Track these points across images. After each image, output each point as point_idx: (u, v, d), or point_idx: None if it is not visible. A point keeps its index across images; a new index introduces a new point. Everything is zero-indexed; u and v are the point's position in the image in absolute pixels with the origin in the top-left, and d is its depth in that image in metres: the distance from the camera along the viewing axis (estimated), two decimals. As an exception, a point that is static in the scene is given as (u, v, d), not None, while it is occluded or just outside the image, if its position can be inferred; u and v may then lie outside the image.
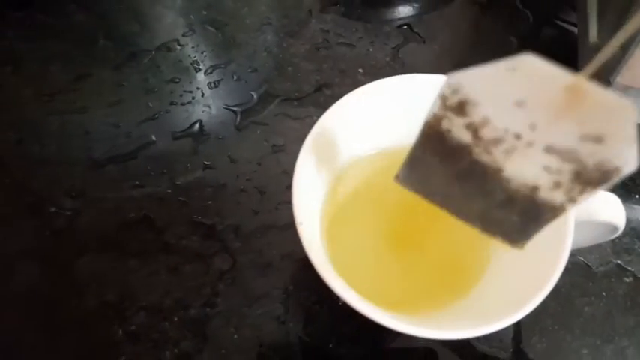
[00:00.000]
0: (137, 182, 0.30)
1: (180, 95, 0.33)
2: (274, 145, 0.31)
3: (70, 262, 0.28)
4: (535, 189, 0.13)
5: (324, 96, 0.33)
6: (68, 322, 0.26)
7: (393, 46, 0.36)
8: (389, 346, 0.26)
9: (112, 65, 0.34)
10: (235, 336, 0.26)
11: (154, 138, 0.31)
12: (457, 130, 0.13)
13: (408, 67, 0.35)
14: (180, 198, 0.29)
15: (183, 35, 0.35)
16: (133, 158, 0.31)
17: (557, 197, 0.13)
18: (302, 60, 0.34)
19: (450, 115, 0.13)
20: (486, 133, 0.13)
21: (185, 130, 0.32)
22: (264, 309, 0.27)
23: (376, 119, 0.23)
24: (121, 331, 0.26)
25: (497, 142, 0.13)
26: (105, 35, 0.35)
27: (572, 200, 0.13)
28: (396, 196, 0.23)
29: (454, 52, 0.37)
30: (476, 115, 0.13)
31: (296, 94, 0.33)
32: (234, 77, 0.34)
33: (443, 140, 0.14)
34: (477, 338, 0.26)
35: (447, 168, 0.15)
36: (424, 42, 0.36)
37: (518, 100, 0.12)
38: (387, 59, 0.35)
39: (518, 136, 0.12)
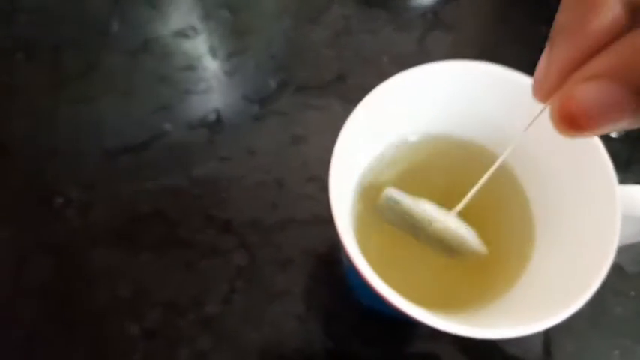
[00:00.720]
0: (151, 174, 0.29)
1: (196, 83, 0.32)
2: (294, 136, 0.30)
3: (83, 257, 0.27)
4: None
5: (345, 85, 0.32)
6: (82, 316, 0.26)
7: (418, 34, 0.34)
8: (414, 347, 0.25)
9: (125, 52, 0.32)
10: (253, 335, 0.25)
11: (168, 128, 0.30)
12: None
13: (434, 56, 0.33)
14: (196, 191, 0.28)
15: (199, 21, 0.34)
16: (147, 149, 0.30)
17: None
18: (322, 47, 0.33)
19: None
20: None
21: (200, 119, 0.30)
22: (284, 307, 0.26)
23: (410, 107, 0.21)
24: (135, 328, 0.25)
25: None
26: (119, 21, 0.34)
27: None
28: (430, 188, 0.21)
29: (481, 41, 0.35)
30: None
31: (316, 82, 0.32)
32: (252, 65, 0.32)
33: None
34: (507, 340, 0.25)
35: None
36: (450, 30, 0.35)
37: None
38: (412, 48, 0.34)
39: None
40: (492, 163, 0.21)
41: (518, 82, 0.20)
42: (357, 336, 0.25)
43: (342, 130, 0.18)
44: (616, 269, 0.27)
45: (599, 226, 0.18)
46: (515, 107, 0.20)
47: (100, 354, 0.25)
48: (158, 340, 0.25)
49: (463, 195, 0.18)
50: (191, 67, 0.32)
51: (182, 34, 0.33)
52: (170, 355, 0.25)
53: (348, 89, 0.32)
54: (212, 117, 0.31)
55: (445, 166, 0.23)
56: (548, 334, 0.26)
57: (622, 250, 0.27)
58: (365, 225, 0.22)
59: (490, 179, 0.19)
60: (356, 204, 0.22)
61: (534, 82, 0.13)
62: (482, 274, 0.21)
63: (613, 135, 0.31)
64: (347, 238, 0.16)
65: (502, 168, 0.22)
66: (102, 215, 0.28)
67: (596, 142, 0.19)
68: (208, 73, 0.32)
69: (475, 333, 0.15)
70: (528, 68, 0.34)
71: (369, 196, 0.22)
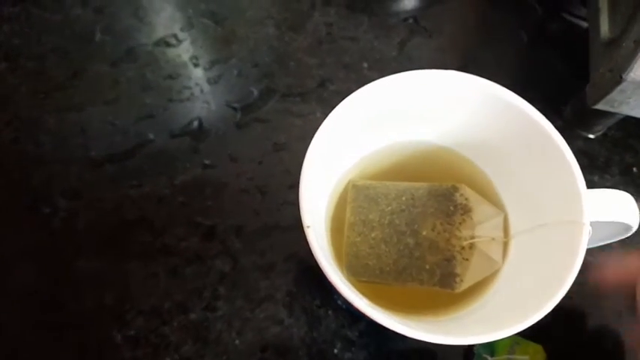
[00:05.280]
0: (135, 182, 0.29)
1: (179, 92, 0.32)
2: (276, 143, 0.30)
3: (67, 264, 0.27)
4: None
5: (327, 91, 0.32)
6: (66, 325, 0.26)
7: (399, 40, 0.35)
8: (394, 349, 0.26)
9: (109, 61, 0.33)
10: (237, 341, 0.25)
11: (152, 136, 0.30)
12: None
13: (415, 61, 0.34)
14: (180, 198, 0.29)
15: (182, 30, 0.34)
16: (131, 157, 0.30)
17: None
18: (304, 54, 0.33)
19: None
20: None
21: (184, 127, 0.31)
22: (267, 312, 0.26)
23: (383, 116, 0.22)
24: (119, 336, 0.25)
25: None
26: (102, 30, 0.34)
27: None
28: (403, 195, 0.22)
29: (461, 47, 0.36)
30: None
31: (298, 89, 0.32)
32: (235, 73, 0.33)
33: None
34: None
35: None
36: (430, 36, 0.35)
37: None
38: (393, 53, 0.34)
39: None
40: (468, 167, 0.22)
41: (486, 88, 0.21)
42: (340, 339, 0.26)
43: (311, 141, 0.19)
44: (595, 270, 0.28)
45: (567, 233, 0.18)
46: (484, 112, 0.21)
47: (85, 362, 0.25)
48: (143, 347, 0.25)
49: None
50: (174, 75, 0.32)
51: (165, 42, 0.33)
52: (155, 361, 0.25)
53: (330, 96, 0.32)
54: (195, 125, 0.31)
55: (420, 171, 0.24)
56: (527, 335, 0.26)
57: (600, 250, 0.28)
58: (341, 226, 0.22)
59: (474, 189, 0.20)
60: (332, 207, 0.22)
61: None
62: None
63: (591, 136, 0.32)
64: (315, 245, 0.17)
65: (485, 181, 0.23)
66: (87, 223, 0.28)
67: (564, 152, 0.19)
68: (191, 81, 0.32)
69: (448, 340, 0.16)
70: (509, 72, 0.35)
71: (344, 197, 0.22)
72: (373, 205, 0.21)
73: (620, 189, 0.20)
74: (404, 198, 0.21)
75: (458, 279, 0.20)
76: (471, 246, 0.20)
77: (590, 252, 0.28)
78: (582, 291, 0.27)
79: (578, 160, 0.19)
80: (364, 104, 0.20)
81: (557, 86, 0.33)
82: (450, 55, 0.35)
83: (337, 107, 0.19)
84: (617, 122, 0.31)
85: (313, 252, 0.17)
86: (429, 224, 0.20)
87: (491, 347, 0.24)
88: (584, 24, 0.35)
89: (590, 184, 0.31)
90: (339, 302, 0.26)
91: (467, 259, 0.20)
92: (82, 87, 0.32)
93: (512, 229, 0.22)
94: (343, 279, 0.17)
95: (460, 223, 0.20)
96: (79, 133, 0.31)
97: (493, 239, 0.20)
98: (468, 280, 0.20)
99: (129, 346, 0.25)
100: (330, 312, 0.26)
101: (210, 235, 0.28)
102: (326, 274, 0.16)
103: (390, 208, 0.21)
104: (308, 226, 0.16)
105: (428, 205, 0.21)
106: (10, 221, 0.28)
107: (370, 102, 0.20)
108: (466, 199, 0.21)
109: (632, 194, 0.20)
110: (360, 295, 0.17)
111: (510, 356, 0.24)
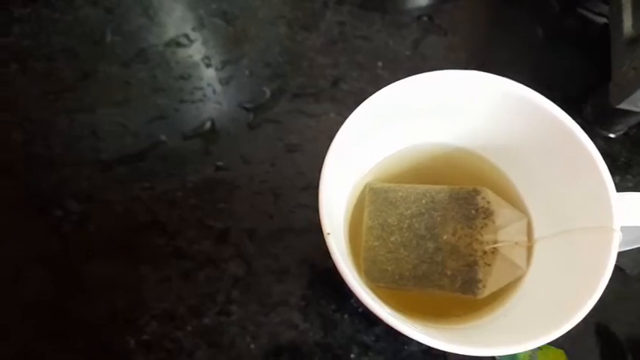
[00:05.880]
0: (146, 184, 0.29)
1: (191, 93, 0.31)
2: (289, 144, 0.30)
3: (79, 268, 0.27)
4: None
5: (340, 91, 0.32)
6: (78, 330, 0.25)
7: (413, 38, 0.34)
8: (410, 353, 0.25)
9: (120, 62, 0.32)
10: (252, 345, 0.25)
11: (163, 138, 0.30)
12: None
13: (429, 60, 0.33)
14: (192, 200, 0.28)
15: (193, 30, 0.34)
16: (142, 159, 0.29)
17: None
18: (317, 54, 0.33)
19: None
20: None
21: (196, 128, 0.30)
22: (282, 317, 0.26)
23: (401, 117, 0.21)
24: (133, 341, 0.25)
25: None
26: (113, 30, 0.33)
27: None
28: (423, 198, 0.21)
29: (477, 45, 0.35)
30: None
31: (311, 89, 0.32)
32: (247, 73, 0.32)
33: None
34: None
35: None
36: (445, 34, 0.34)
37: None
38: (407, 52, 0.33)
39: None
40: (489, 170, 0.21)
41: (507, 88, 0.20)
42: (356, 344, 0.25)
43: (330, 145, 0.18)
44: (618, 273, 0.27)
45: (595, 240, 0.18)
46: (505, 113, 0.20)
47: (97, 367, 0.25)
48: (156, 353, 0.25)
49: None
50: (186, 76, 0.32)
51: (177, 43, 0.33)
52: (168, 368, 0.25)
53: (343, 96, 0.31)
54: (207, 126, 0.30)
55: (439, 174, 0.23)
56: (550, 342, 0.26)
57: (623, 254, 0.27)
58: (359, 230, 0.21)
59: (496, 192, 0.19)
60: (350, 211, 0.22)
61: None
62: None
63: (612, 135, 0.31)
64: (336, 254, 0.16)
65: (507, 184, 0.22)
66: (98, 226, 0.28)
67: (592, 152, 0.19)
68: (203, 82, 0.32)
69: (471, 351, 0.15)
70: (525, 70, 0.34)
71: (362, 200, 0.22)
72: (392, 209, 0.20)
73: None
74: (424, 201, 0.20)
75: (480, 285, 0.19)
76: (494, 251, 0.19)
77: (618, 255, 0.27)
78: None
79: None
80: (383, 106, 0.19)
81: (576, 84, 0.33)
82: (465, 53, 0.34)
83: (356, 110, 0.19)
84: (639, 122, 0.30)
85: (335, 261, 0.16)
86: (449, 228, 0.20)
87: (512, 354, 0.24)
88: (602, 19, 0.35)
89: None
90: (355, 305, 0.26)
91: (489, 265, 0.19)
92: (93, 88, 0.32)
93: (537, 233, 0.21)
94: (363, 286, 0.17)
95: (482, 228, 0.20)
96: (90, 135, 0.30)
97: (516, 244, 0.20)
98: (490, 287, 0.19)
99: (142, 352, 0.25)
100: (345, 316, 0.26)
101: (223, 238, 0.27)
102: (348, 282, 0.15)
103: (409, 211, 0.20)
104: (328, 233, 0.16)
105: (449, 208, 0.20)
106: (21, 225, 0.28)
107: (389, 104, 0.20)
108: (488, 202, 0.20)
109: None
110: (382, 303, 0.16)
111: (532, 363, 0.24)
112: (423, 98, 0.20)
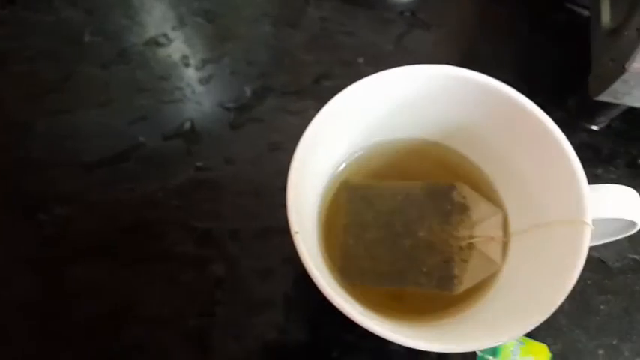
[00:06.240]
0: (128, 186, 0.28)
1: (171, 93, 0.31)
2: (272, 143, 0.30)
3: (63, 271, 0.27)
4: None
5: (323, 88, 0.31)
6: (62, 334, 0.25)
7: (396, 33, 0.34)
8: (395, 351, 0.25)
9: (100, 63, 0.32)
10: (236, 346, 0.25)
11: (144, 139, 0.30)
12: None
13: (413, 55, 0.33)
14: (174, 202, 0.28)
15: (173, 29, 0.33)
16: (124, 160, 0.29)
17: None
18: (300, 51, 0.33)
19: None
20: None
21: (177, 129, 0.30)
22: (265, 317, 0.26)
23: (375, 112, 0.21)
24: (117, 344, 0.25)
25: None
26: (93, 31, 0.33)
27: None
28: (399, 195, 0.21)
29: (461, 39, 0.35)
30: None
31: (294, 87, 0.32)
32: (228, 72, 0.32)
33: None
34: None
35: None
36: (429, 29, 0.34)
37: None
38: (390, 48, 0.33)
39: None
40: (465, 165, 0.21)
41: (473, 79, 0.20)
42: (339, 344, 0.25)
43: (300, 141, 0.18)
44: (600, 266, 0.28)
45: (569, 231, 0.18)
46: (474, 105, 0.20)
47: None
48: (142, 355, 0.25)
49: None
50: (166, 76, 0.32)
51: (156, 42, 0.33)
52: (153, 370, 0.24)
53: (326, 92, 0.31)
54: (187, 126, 0.30)
55: (416, 170, 0.23)
56: (531, 334, 0.26)
57: (605, 246, 0.27)
58: (334, 228, 0.21)
59: (471, 185, 0.19)
60: (324, 209, 0.22)
61: None
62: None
63: (595, 128, 0.31)
64: (303, 252, 0.16)
65: (482, 177, 0.22)
66: (80, 229, 0.27)
67: (565, 148, 0.19)
68: (183, 81, 0.32)
69: (445, 348, 0.15)
70: (510, 64, 0.34)
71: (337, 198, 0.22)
72: (368, 206, 0.20)
73: (625, 182, 0.19)
74: (399, 198, 0.20)
75: (456, 281, 0.19)
76: (470, 246, 0.19)
77: (594, 248, 0.27)
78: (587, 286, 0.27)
79: (581, 153, 0.19)
80: (356, 101, 0.19)
81: (560, 77, 0.32)
82: (449, 48, 0.34)
83: (327, 105, 0.19)
84: (621, 113, 0.30)
85: (302, 260, 0.16)
86: (425, 225, 0.20)
87: (493, 348, 0.24)
88: (587, 12, 0.34)
89: (595, 178, 0.30)
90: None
91: (465, 260, 0.19)
92: (74, 90, 0.31)
93: (512, 228, 0.21)
94: (335, 286, 0.17)
95: (458, 223, 0.20)
96: (72, 136, 0.30)
97: (492, 239, 0.20)
98: (466, 282, 0.19)
99: (127, 355, 0.25)
100: (329, 315, 0.26)
101: (205, 239, 0.27)
102: (315, 281, 0.15)
103: (385, 208, 0.20)
104: (296, 232, 0.16)
105: (424, 204, 0.20)
106: (3, 228, 0.28)
107: (362, 98, 0.20)
108: (464, 197, 0.20)
109: (638, 187, 0.19)
110: (353, 302, 0.16)
111: (514, 357, 0.24)
112: (397, 93, 0.20)
